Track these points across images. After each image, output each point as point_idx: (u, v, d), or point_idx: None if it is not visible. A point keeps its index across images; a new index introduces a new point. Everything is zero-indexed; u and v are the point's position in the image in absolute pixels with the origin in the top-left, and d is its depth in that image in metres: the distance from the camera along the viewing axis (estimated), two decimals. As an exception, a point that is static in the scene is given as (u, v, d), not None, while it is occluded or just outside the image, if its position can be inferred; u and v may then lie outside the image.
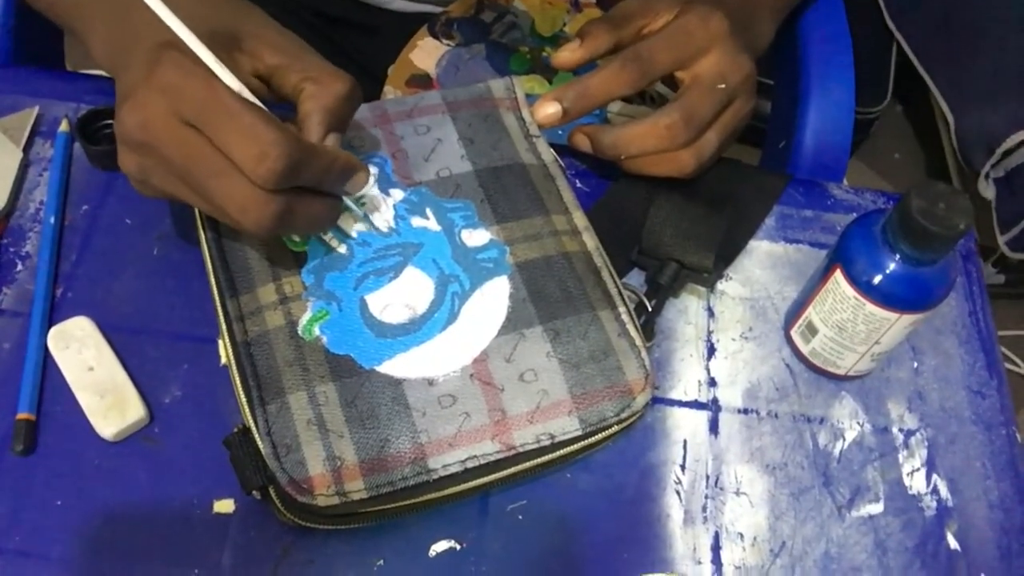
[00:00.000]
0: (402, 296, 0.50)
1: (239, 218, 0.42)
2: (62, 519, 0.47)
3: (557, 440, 0.47)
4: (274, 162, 0.39)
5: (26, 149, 0.58)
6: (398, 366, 0.47)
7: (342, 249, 0.50)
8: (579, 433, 0.47)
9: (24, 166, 0.58)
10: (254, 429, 0.45)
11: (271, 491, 0.45)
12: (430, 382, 0.47)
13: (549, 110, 0.55)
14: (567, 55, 0.55)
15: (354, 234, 0.51)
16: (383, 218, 0.52)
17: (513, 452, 0.46)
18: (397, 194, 0.53)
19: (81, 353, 0.51)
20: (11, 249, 0.55)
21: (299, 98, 0.45)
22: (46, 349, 0.51)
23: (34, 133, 0.59)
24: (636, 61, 0.53)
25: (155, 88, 0.40)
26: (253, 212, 0.41)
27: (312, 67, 0.45)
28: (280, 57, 0.46)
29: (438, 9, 0.77)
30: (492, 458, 0.46)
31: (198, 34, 0.42)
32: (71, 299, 0.53)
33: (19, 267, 0.54)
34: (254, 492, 0.45)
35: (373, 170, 0.53)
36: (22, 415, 0.49)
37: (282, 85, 0.46)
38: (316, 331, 0.47)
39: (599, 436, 0.48)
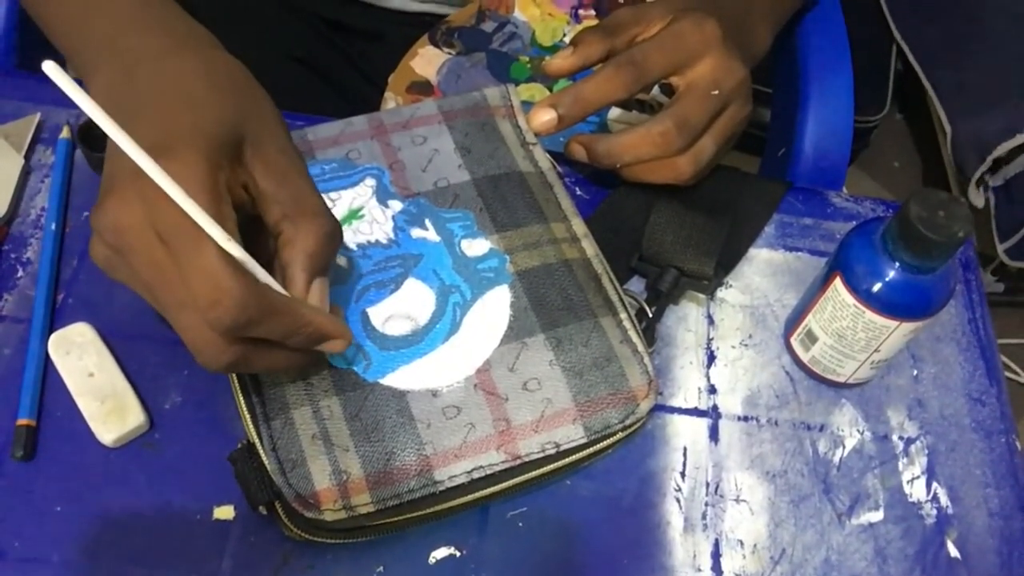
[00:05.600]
0: (403, 308, 0.50)
1: (192, 351, 0.40)
2: (62, 525, 0.47)
3: (562, 448, 0.47)
4: (224, 312, 0.37)
5: (27, 156, 0.59)
6: (401, 378, 0.47)
7: (342, 262, 0.50)
8: (584, 441, 0.47)
9: (25, 173, 0.58)
10: (259, 445, 0.45)
11: (277, 506, 0.45)
12: (434, 393, 0.47)
13: (545, 117, 0.54)
14: (559, 62, 0.56)
15: (354, 247, 0.51)
16: (382, 230, 0.52)
17: (519, 462, 0.46)
18: (395, 205, 0.53)
19: (82, 359, 0.51)
20: (12, 255, 0.55)
21: (278, 240, 0.43)
22: (47, 355, 0.51)
23: (35, 140, 0.59)
24: (630, 65, 0.53)
25: (138, 194, 0.38)
26: (206, 353, 0.40)
27: (294, 202, 0.42)
28: (269, 182, 0.42)
29: (439, 10, 0.78)
30: (498, 468, 0.46)
31: (204, 127, 0.40)
32: (72, 305, 0.53)
33: (20, 273, 0.54)
34: (260, 508, 0.44)
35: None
36: (22, 421, 0.49)
37: (264, 214, 0.43)
38: None
39: (604, 443, 0.48)
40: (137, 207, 0.38)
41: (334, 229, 0.43)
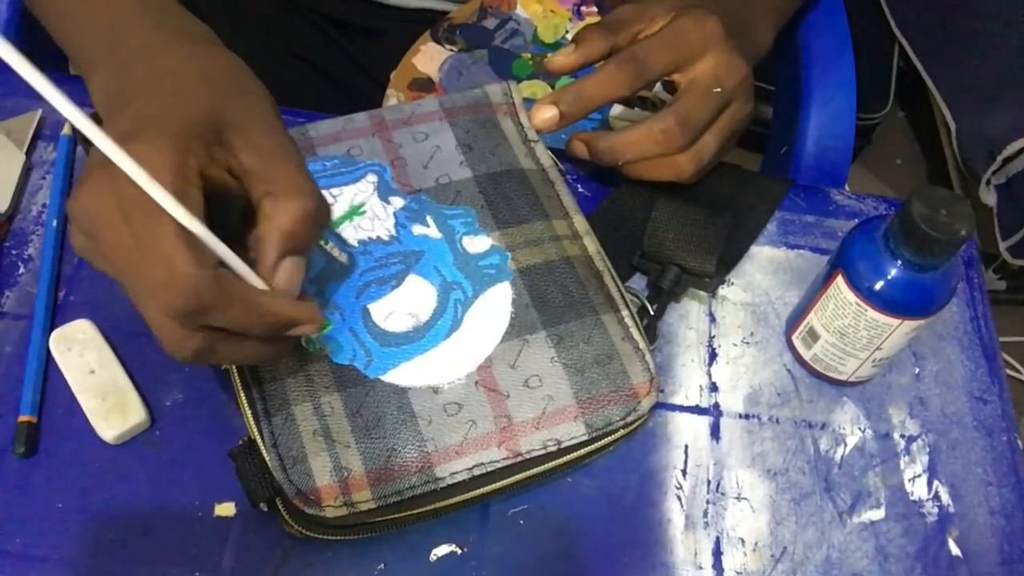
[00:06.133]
0: (405, 304, 0.50)
1: (159, 340, 0.39)
2: (63, 521, 0.47)
3: (564, 446, 0.47)
4: (177, 296, 0.37)
5: (29, 152, 0.59)
6: (403, 375, 0.47)
7: (343, 258, 0.50)
8: (585, 438, 0.47)
9: (27, 169, 0.58)
10: (259, 441, 0.45)
11: (278, 503, 0.45)
12: (435, 390, 0.47)
13: (547, 114, 0.54)
14: (561, 59, 0.55)
15: (355, 243, 0.51)
16: (383, 226, 0.52)
17: (520, 459, 0.46)
18: (397, 202, 0.53)
19: (83, 356, 0.51)
20: (13, 252, 0.55)
21: (258, 215, 0.41)
22: (48, 352, 0.51)
23: (37, 136, 0.59)
24: (632, 62, 0.53)
25: (108, 179, 0.37)
26: (168, 341, 0.39)
27: (278, 179, 0.41)
28: (253, 160, 0.41)
29: (441, 6, 0.78)
30: (499, 465, 0.46)
31: (175, 110, 0.40)
32: (73, 302, 0.53)
33: (21, 270, 0.54)
34: (261, 504, 0.44)
35: (368, 186, 0.52)
36: (24, 417, 0.49)
37: (249, 192, 0.42)
38: (319, 341, 0.47)
39: (605, 441, 0.48)
40: (107, 193, 0.38)
41: (316, 209, 0.42)
